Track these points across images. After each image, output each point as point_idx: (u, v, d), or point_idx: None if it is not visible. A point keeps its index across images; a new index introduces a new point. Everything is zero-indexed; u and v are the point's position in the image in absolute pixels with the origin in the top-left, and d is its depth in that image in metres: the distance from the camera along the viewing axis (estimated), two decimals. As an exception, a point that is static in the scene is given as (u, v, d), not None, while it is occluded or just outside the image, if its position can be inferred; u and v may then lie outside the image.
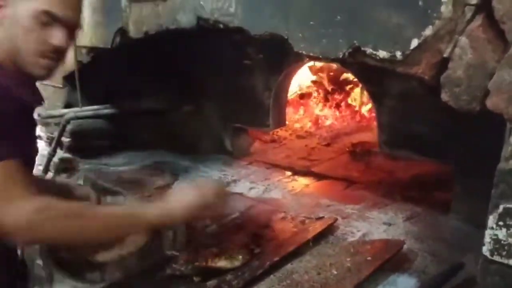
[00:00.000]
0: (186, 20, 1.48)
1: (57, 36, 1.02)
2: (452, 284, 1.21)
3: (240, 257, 1.23)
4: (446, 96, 0.96)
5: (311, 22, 1.11)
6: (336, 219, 1.53)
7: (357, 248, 1.34)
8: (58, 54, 1.06)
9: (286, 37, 1.18)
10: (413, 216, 1.66)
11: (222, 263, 1.22)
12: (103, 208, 1.18)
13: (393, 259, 1.30)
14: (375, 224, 1.59)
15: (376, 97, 1.70)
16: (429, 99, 1.54)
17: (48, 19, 1.01)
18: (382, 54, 0.99)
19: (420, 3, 0.93)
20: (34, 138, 1.21)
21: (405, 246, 1.38)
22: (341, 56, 1.06)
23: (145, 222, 1.06)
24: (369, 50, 1.01)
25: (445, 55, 0.94)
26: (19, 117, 1.02)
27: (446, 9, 0.90)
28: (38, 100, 1.18)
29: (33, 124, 1.22)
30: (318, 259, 1.30)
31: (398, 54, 0.97)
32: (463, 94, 0.94)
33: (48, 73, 1.08)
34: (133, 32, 1.74)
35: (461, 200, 1.59)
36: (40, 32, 1.01)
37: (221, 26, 1.38)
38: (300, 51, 1.15)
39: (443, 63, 0.95)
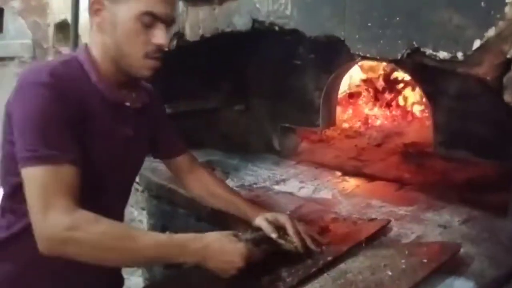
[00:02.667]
0: (242, 22, 1.53)
1: (160, 36, 1.02)
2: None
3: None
4: (509, 97, 0.94)
5: (369, 24, 1.11)
6: (389, 221, 1.52)
7: (412, 250, 1.32)
8: (161, 52, 1.07)
9: (342, 39, 1.19)
10: (469, 219, 1.61)
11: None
12: (146, 235, 1.05)
13: (449, 262, 1.28)
14: (430, 227, 1.56)
15: (431, 97, 1.68)
16: (487, 98, 1.52)
17: (150, 20, 1.01)
18: (443, 55, 0.98)
19: (483, 4, 0.91)
20: (124, 139, 1.13)
21: (461, 249, 1.36)
22: (399, 57, 1.06)
23: (181, 259, 1.04)
24: (429, 51, 1.01)
25: (508, 56, 0.92)
26: (85, 119, 1.00)
27: (510, 10, 0.88)
28: (140, 100, 1.18)
29: (125, 125, 1.13)
30: (372, 259, 1.30)
31: (460, 55, 0.96)
32: (528, 95, 0.92)
33: (153, 73, 1.09)
34: (190, 35, 1.81)
35: (521, 203, 1.53)
36: (144, 34, 1.01)
37: (277, 28, 1.41)
38: (357, 52, 1.16)
39: (506, 64, 0.93)
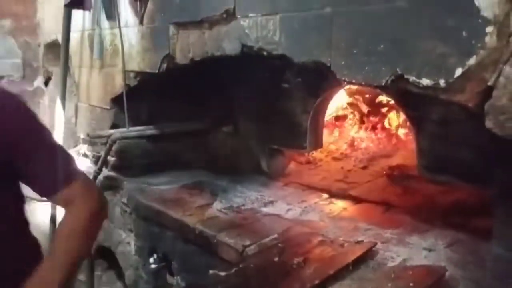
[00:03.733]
0: (231, 47, 1.56)
1: None
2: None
3: None
4: (490, 123, 0.97)
5: (354, 51, 1.15)
6: (375, 244, 1.53)
7: (398, 273, 1.34)
8: None
9: (329, 65, 1.22)
10: (454, 242, 1.63)
11: None
12: None
13: (435, 286, 1.29)
14: (415, 250, 1.57)
15: (415, 122, 1.71)
16: (470, 123, 1.55)
17: None
18: (426, 82, 1.02)
19: (464, 33, 0.95)
20: None
21: (447, 273, 1.37)
22: (383, 84, 1.09)
23: None
24: (412, 78, 1.04)
25: (489, 84, 0.96)
26: None
27: (490, 39, 0.92)
28: None
29: None
30: (358, 283, 1.30)
31: (442, 82, 0.99)
32: (508, 122, 0.95)
33: None
34: (180, 58, 1.83)
35: (504, 226, 1.55)
36: None
37: (265, 53, 1.44)
38: (343, 78, 1.19)
39: (487, 91, 0.97)
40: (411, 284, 1.27)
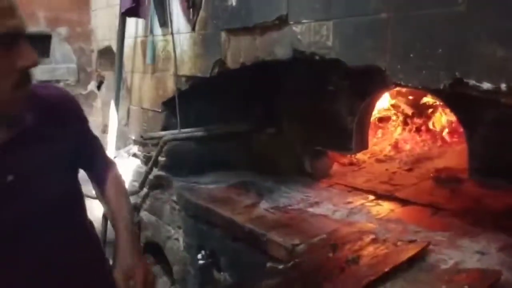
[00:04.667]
0: (282, 52, 1.60)
1: (28, 54, 0.81)
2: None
3: None
4: (553, 127, 0.97)
5: (411, 55, 1.17)
6: (429, 243, 1.53)
7: (452, 276, 1.34)
8: (28, 76, 0.85)
9: (384, 69, 1.25)
10: (507, 246, 1.60)
11: None
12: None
13: (490, 288, 1.29)
14: (468, 253, 1.56)
15: (467, 124, 1.70)
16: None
17: (9, 40, 0.79)
18: (486, 86, 1.03)
19: (527, 37, 0.96)
20: None
21: (501, 277, 1.36)
22: (441, 87, 1.10)
23: None
24: (472, 82, 1.05)
25: (552, 87, 0.96)
26: None
27: (554, 43, 0.92)
28: (12, 130, 0.90)
29: None
30: (412, 284, 1.32)
31: (503, 86, 1.00)
32: None
33: (22, 105, 0.87)
34: (231, 63, 1.89)
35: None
36: (6, 59, 0.79)
37: (317, 58, 1.48)
38: (399, 82, 1.21)
39: (551, 95, 0.97)
40: (466, 287, 1.26)
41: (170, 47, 2.23)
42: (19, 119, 0.90)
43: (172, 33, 2.18)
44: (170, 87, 2.33)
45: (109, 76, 3.35)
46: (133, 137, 2.71)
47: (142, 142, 2.50)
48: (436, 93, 1.58)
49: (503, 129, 1.57)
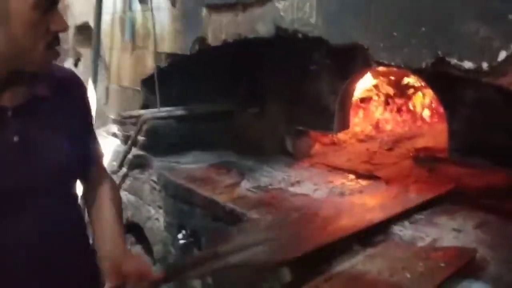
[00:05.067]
0: (265, 29, 1.57)
1: (60, 21, 0.89)
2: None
3: None
4: (532, 107, 0.98)
5: (394, 33, 1.15)
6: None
7: (429, 253, 1.36)
8: (59, 40, 0.92)
9: (366, 47, 1.23)
10: (484, 223, 1.64)
11: None
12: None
13: (465, 266, 1.31)
14: (445, 231, 1.59)
15: (447, 104, 1.71)
16: (504, 107, 1.55)
17: (48, 4, 0.87)
18: (468, 65, 1.02)
19: (510, 16, 0.95)
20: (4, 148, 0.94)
21: (477, 254, 1.39)
22: (424, 66, 1.10)
23: None
24: (454, 61, 1.04)
25: (533, 67, 0.96)
26: None
27: (536, 22, 0.92)
28: (25, 95, 0.95)
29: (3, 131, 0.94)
30: (390, 261, 1.34)
31: (485, 65, 1.00)
32: (551, 106, 0.95)
33: (51, 65, 0.95)
34: (212, 40, 1.85)
35: (535, 210, 1.56)
36: (43, 22, 0.87)
37: (300, 35, 1.45)
38: (381, 60, 1.20)
39: (531, 75, 0.97)
40: (443, 264, 1.29)
41: (150, 24, 2.16)
42: (33, 86, 0.96)
43: (151, 9, 2.11)
44: (150, 64, 2.27)
45: (87, 54, 3.23)
46: (112, 116, 2.65)
47: (121, 121, 2.45)
48: (417, 72, 1.58)
49: (483, 109, 1.59)
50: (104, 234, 1.07)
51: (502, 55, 0.97)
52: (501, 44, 0.97)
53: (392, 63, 1.18)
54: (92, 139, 1.14)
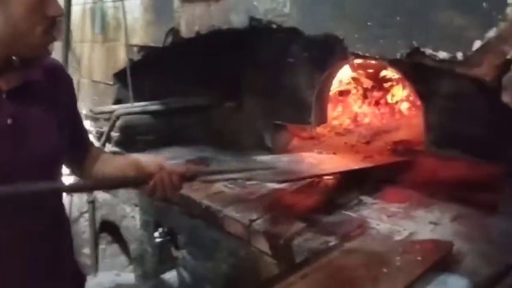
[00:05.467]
0: (238, 20, 1.52)
1: (55, 6, 0.92)
2: (505, 285, 1.20)
3: None
4: (508, 97, 0.96)
5: (369, 23, 1.12)
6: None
7: (406, 247, 1.34)
8: (56, 25, 0.96)
9: (342, 38, 1.20)
10: (460, 216, 1.64)
11: None
12: None
13: (442, 260, 1.30)
14: (421, 224, 1.58)
15: (424, 97, 1.70)
16: (480, 98, 1.55)
17: None
18: (442, 55, 1.00)
19: (484, 4, 0.93)
20: None
21: (453, 247, 1.38)
22: (399, 57, 1.07)
23: None
24: (428, 51, 1.02)
25: (508, 57, 0.94)
26: None
27: (511, 10, 0.90)
28: (18, 79, 0.97)
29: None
30: (367, 256, 1.32)
31: (459, 55, 0.98)
32: (526, 96, 0.94)
33: (48, 50, 1.01)
34: (185, 32, 1.79)
35: (510, 201, 1.57)
36: (41, 7, 0.90)
37: (274, 26, 1.41)
38: (356, 52, 1.17)
39: (506, 65, 0.95)
40: (419, 258, 1.28)
41: (121, 15, 2.08)
42: (27, 71, 0.98)
43: (122, -1, 2.04)
44: (122, 57, 2.20)
45: (58, 47, 3.13)
46: (84, 112, 2.56)
47: (94, 117, 2.37)
48: (394, 64, 1.56)
49: (458, 101, 1.58)
50: (116, 159, 1.22)
51: (477, 44, 0.95)
52: (476, 34, 0.95)
53: (367, 54, 1.15)
54: (83, 125, 1.20)
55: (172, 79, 2.35)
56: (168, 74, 2.31)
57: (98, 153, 1.22)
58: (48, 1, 0.91)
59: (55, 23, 0.94)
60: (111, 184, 1.23)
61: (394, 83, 2.97)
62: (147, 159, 1.14)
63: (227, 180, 1.44)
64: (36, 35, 0.91)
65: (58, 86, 1.06)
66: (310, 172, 1.76)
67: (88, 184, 1.21)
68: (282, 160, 1.90)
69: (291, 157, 2.01)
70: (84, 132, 1.22)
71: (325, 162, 1.95)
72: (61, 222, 1.12)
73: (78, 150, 1.16)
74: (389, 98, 3.05)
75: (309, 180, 1.93)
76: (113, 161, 1.20)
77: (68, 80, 1.14)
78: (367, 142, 2.62)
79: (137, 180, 1.10)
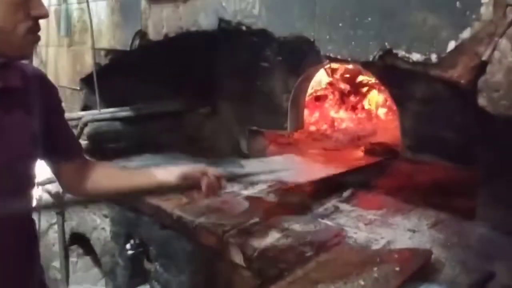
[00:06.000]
0: (207, 22, 1.46)
1: (39, 6, 0.92)
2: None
3: None
4: (483, 101, 0.92)
5: (340, 24, 1.08)
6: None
7: (383, 257, 1.30)
8: (39, 25, 0.95)
9: (312, 40, 1.15)
10: (438, 222, 1.61)
11: None
12: None
13: (421, 269, 1.26)
14: (400, 231, 1.54)
15: (399, 101, 1.67)
16: (454, 102, 1.52)
17: None
18: (416, 57, 0.96)
19: (458, 4, 0.89)
20: None
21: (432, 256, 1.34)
22: (371, 59, 1.03)
23: None
24: (401, 53, 0.98)
25: (483, 58, 0.90)
26: None
27: (486, 10, 0.86)
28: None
29: None
30: (343, 267, 1.26)
31: (433, 57, 0.93)
32: (502, 99, 0.90)
33: (32, 50, 1.00)
34: (153, 34, 1.72)
35: (487, 206, 1.54)
36: (23, 6, 0.90)
37: (244, 28, 1.35)
38: (328, 54, 1.12)
39: (481, 67, 0.92)
40: (397, 269, 1.23)
41: (87, 17, 1.99)
42: (6, 77, 0.95)
43: (87, 1, 1.95)
44: (89, 62, 2.10)
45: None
46: (51, 119, 2.46)
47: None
48: (367, 67, 1.52)
49: (433, 105, 1.55)
50: (140, 174, 1.24)
51: (451, 45, 0.91)
52: (450, 34, 0.91)
53: (339, 56, 1.10)
54: (71, 133, 1.19)
55: (143, 83, 2.27)
56: (138, 78, 2.23)
57: (94, 165, 1.21)
58: (32, 2, 0.90)
59: (38, 23, 0.93)
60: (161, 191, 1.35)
61: (371, 87, 2.96)
62: (188, 167, 1.22)
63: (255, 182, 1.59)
64: (19, 34, 0.90)
65: (39, 95, 1.04)
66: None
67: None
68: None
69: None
70: (72, 141, 1.20)
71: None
72: (29, 238, 1.09)
73: (65, 160, 1.14)
74: (366, 103, 3.04)
75: (285, 187, 1.89)
76: (137, 174, 1.27)
77: (53, 90, 1.12)
78: (344, 148, 2.59)
79: (186, 187, 1.23)
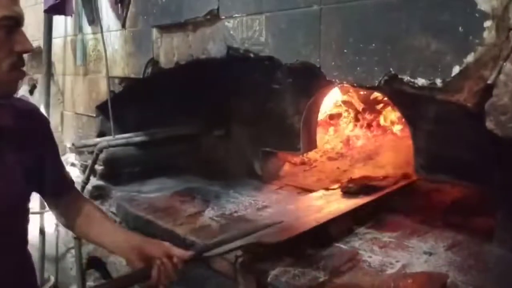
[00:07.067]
0: (216, 50, 1.49)
1: (24, 41, 0.90)
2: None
3: None
4: (491, 124, 0.91)
5: (345, 50, 1.08)
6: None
7: (398, 282, 1.27)
8: (23, 61, 0.92)
9: (318, 66, 1.16)
10: (455, 244, 1.57)
11: None
12: None
13: (437, 293, 1.23)
14: (415, 254, 1.51)
15: (411, 121, 1.65)
16: (468, 121, 1.50)
17: (11, 25, 0.87)
18: (421, 81, 0.95)
19: (461, 29, 0.89)
20: None
21: (448, 280, 1.31)
22: (376, 84, 1.03)
23: None
24: (406, 78, 0.98)
25: (489, 82, 0.89)
26: None
27: (488, 34, 0.86)
28: None
29: None
30: (356, 294, 1.24)
31: (438, 81, 0.93)
32: (510, 122, 0.89)
33: (18, 86, 0.96)
34: (164, 62, 1.76)
35: (505, 227, 1.50)
36: (6, 42, 0.87)
37: (252, 55, 1.37)
38: (334, 79, 1.12)
39: (487, 90, 0.91)
40: (412, 293, 1.20)
41: (101, 46, 2.06)
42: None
43: (101, 31, 2.01)
44: (104, 89, 2.16)
45: (42, 80, 3.11)
46: (68, 145, 2.52)
47: (77, 150, 2.32)
48: (376, 89, 1.52)
49: (446, 125, 1.53)
50: (109, 228, 1.14)
51: (456, 69, 0.91)
52: (454, 59, 0.91)
53: (345, 82, 1.11)
54: (62, 168, 1.16)
55: (157, 109, 2.31)
56: (152, 104, 2.27)
57: (82, 203, 1.18)
58: (15, 36, 0.88)
59: (22, 59, 0.91)
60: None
61: (386, 104, 2.94)
62: (150, 243, 1.14)
63: (231, 251, 1.37)
64: (3, 71, 0.87)
65: (31, 130, 1.03)
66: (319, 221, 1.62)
67: None
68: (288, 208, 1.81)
69: (299, 202, 1.92)
70: (63, 176, 1.17)
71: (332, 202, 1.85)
72: (26, 270, 1.08)
73: (57, 194, 1.14)
74: (381, 120, 3.01)
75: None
76: (106, 226, 1.16)
77: (44, 123, 1.10)
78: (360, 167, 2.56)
79: (138, 277, 1.14)
